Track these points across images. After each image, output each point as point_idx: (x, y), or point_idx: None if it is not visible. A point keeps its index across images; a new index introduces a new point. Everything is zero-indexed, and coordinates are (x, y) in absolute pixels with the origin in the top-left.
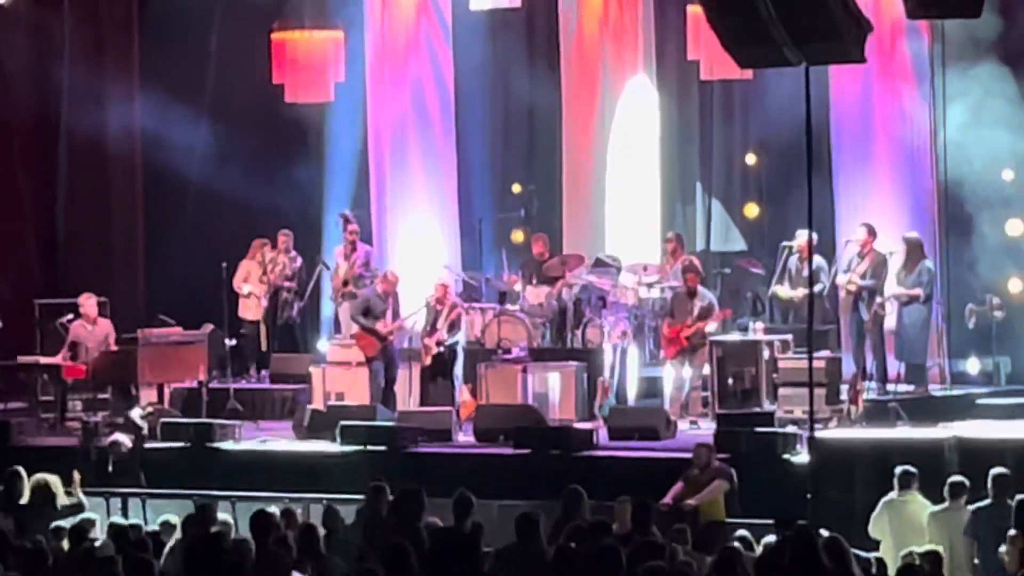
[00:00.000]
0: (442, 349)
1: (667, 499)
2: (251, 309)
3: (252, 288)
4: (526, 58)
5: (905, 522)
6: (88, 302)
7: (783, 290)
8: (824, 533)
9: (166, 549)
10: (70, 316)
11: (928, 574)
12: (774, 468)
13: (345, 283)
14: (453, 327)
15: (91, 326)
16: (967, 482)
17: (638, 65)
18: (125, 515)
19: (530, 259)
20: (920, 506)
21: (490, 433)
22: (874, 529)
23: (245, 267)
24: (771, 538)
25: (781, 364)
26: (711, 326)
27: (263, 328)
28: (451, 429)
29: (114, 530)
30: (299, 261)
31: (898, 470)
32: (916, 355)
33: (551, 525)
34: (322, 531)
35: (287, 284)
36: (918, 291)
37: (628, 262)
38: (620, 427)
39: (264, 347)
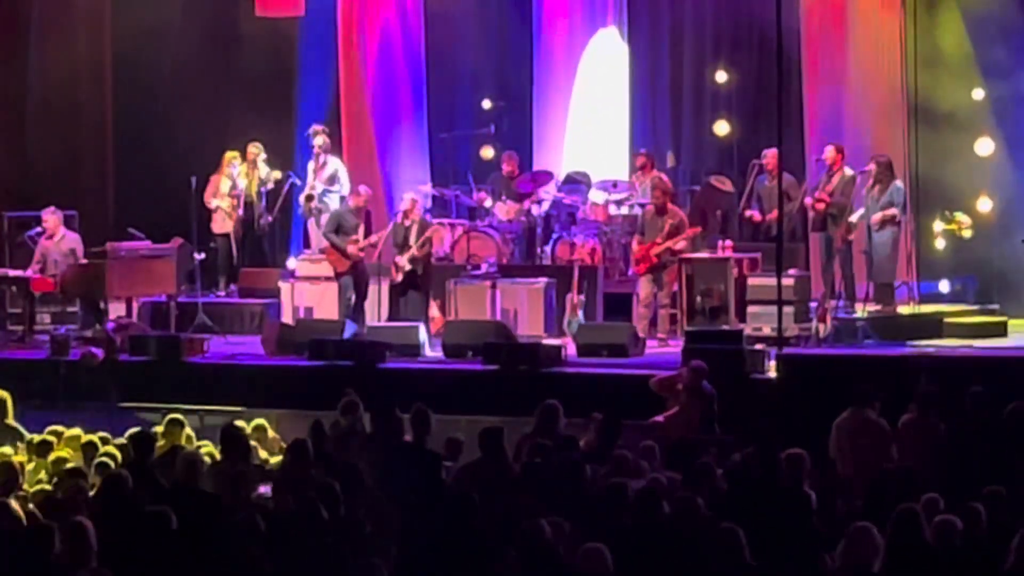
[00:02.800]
0: (413, 267)
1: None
2: (220, 223)
3: (220, 202)
4: None
5: (863, 441)
6: (50, 217)
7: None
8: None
9: None
10: (38, 229)
11: (897, 491)
12: (742, 386)
13: (310, 198)
14: (425, 246)
15: (53, 240)
16: (937, 392)
17: None
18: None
19: (499, 175)
20: (878, 424)
21: (459, 349)
22: (833, 450)
23: (215, 181)
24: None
25: (750, 282)
26: (681, 244)
27: (233, 242)
28: (419, 344)
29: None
30: (266, 170)
31: (855, 388)
32: (885, 275)
33: (524, 439)
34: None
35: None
36: (894, 211)
37: (597, 179)
38: (588, 344)
39: (236, 261)
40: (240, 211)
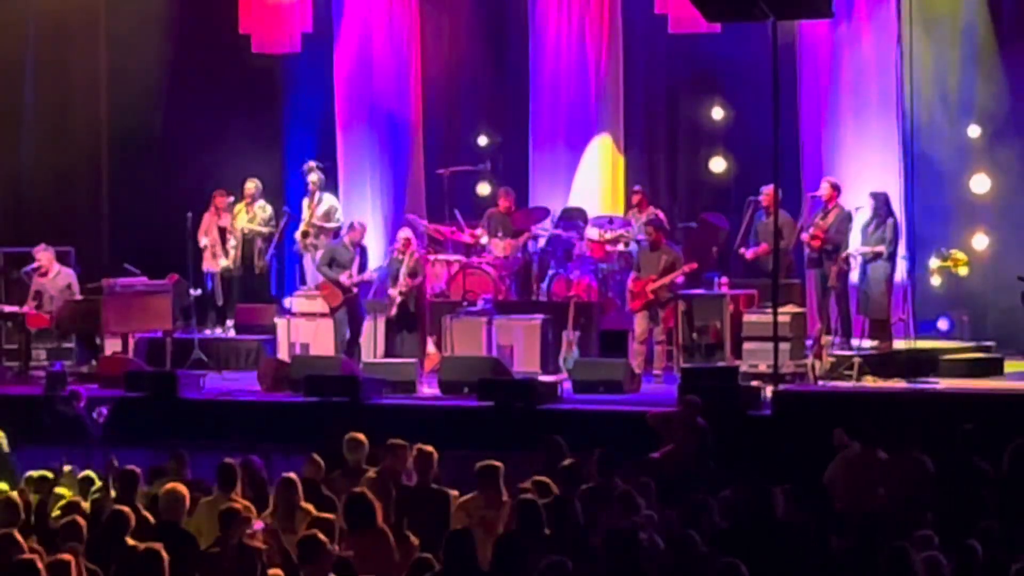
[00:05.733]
0: (405, 298)
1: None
2: (208, 261)
3: (207, 241)
4: (495, 13)
5: (858, 477)
6: (42, 253)
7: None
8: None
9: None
10: (34, 265)
11: (895, 527)
12: (738, 423)
13: (305, 234)
14: (415, 274)
15: (48, 276)
16: (919, 430)
17: (605, 23)
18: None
19: (496, 212)
20: (873, 460)
21: (454, 385)
22: (828, 485)
23: (206, 220)
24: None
25: (746, 318)
26: (678, 280)
27: (218, 280)
28: (415, 381)
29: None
30: (263, 206)
31: (851, 425)
32: (879, 311)
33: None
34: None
35: (263, 230)
36: (882, 248)
37: (593, 215)
38: (584, 380)
39: (221, 301)
40: (239, 248)
